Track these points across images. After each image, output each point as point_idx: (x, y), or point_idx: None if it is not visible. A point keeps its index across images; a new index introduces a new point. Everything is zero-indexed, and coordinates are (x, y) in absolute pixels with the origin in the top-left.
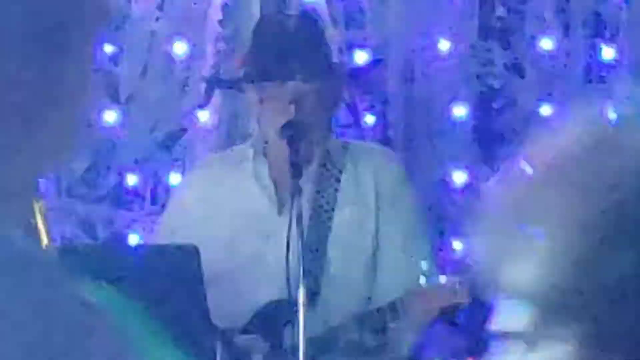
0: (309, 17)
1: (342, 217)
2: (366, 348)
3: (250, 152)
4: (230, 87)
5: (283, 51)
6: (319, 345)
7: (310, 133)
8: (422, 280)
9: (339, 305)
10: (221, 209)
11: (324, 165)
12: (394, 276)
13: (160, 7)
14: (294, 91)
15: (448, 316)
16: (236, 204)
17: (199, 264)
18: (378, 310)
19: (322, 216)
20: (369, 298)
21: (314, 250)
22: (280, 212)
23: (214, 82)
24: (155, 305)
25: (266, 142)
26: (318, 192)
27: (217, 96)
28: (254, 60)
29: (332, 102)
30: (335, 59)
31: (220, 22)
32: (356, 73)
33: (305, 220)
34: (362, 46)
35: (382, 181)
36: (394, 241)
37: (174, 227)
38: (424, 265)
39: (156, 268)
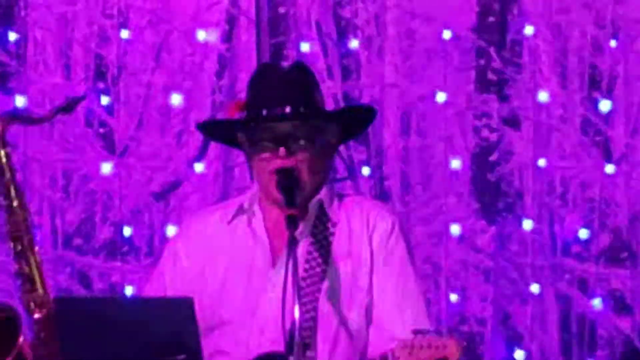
0: (303, 66)
1: (336, 272)
2: None
3: (246, 203)
4: (223, 138)
5: (276, 96)
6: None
7: (304, 183)
8: (414, 334)
9: (330, 359)
10: (215, 260)
11: (319, 217)
12: (387, 330)
13: (156, 59)
14: (285, 134)
15: None
16: (230, 256)
17: (194, 317)
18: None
19: (315, 269)
20: (363, 352)
21: (307, 303)
22: (274, 264)
23: (208, 127)
24: (149, 358)
25: (257, 195)
26: (312, 244)
27: (213, 149)
28: (248, 106)
29: (326, 153)
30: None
31: (216, 73)
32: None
33: (300, 273)
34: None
35: (377, 236)
36: (388, 297)
37: (167, 279)
38: (417, 319)
39: (151, 321)
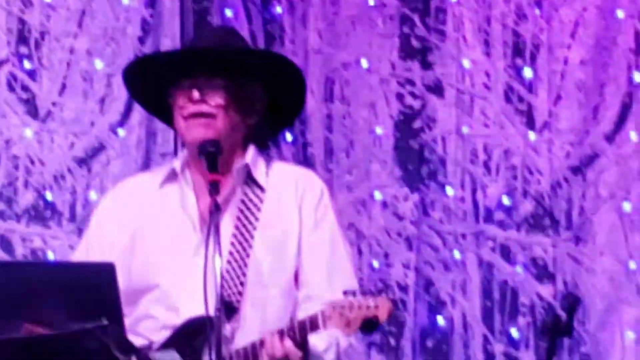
0: (231, 29)
1: (265, 237)
2: (286, 356)
3: (177, 167)
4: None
5: (204, 48)
6: None
7: (218, 132)
8: (343, 296)
9: (260, 322)
10: (145, 225)
11: (247, 183)
12: (317, 293)
13: (79, 24)
14: (200, 83)
15: (366, 329)
16: (160, 221)
17: (115, 281)
18: (299, 323)
19: (245, 235)
20: (293, 314)
21: (237, 268)
22: (202, 231)
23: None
24: (70, 322)
25: (187, 160)
26: (241, 210)
27: (136, 114)
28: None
29: (247, 113)
30: None
31: (139, 38)
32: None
33: (227, 239)
34: None
35: (305, 202)
36: (318, 261)
37: (95, 244)
38: (346, 282)
39: (73, 285)
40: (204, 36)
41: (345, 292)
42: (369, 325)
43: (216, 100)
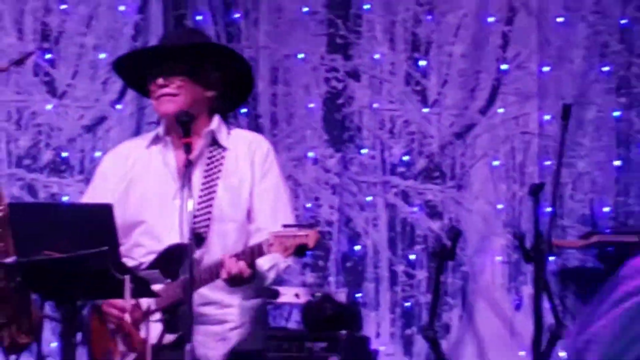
0: (194, 29)
1: (226, 184)
2: (241, 277)
3: (160, 133)
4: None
5: (164, 46)
6: (205, 277)
7: (197, 121)
8: (282, 228)
9: (221, 250)
10: (136, 176)
11: (212, 144)
12: (264, 226)
13: (87, 25)
14: (166, 69)
15: (299, 253)
16: (148, 173)
17: (112, 220)
18: (249, 249)
19: (210, 183)
20: (245, 243)
21: (205, 208)
22: (179, 181)
23: (116, 67)
24: (79, 249)
25: (167, 127)
26: (208, 165)
27: (130, 94)
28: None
29: (207, 88)
30: None
31: (133, 37)
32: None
33: (198, 187)
34: None
35: (256, 158)
36: (265, 201)
37: (98, 191)
38: (286, 218)
39: (80, 222)
40: (171, 35)
41: (284, 225)
42: (301, 250)
43: (177, 82)
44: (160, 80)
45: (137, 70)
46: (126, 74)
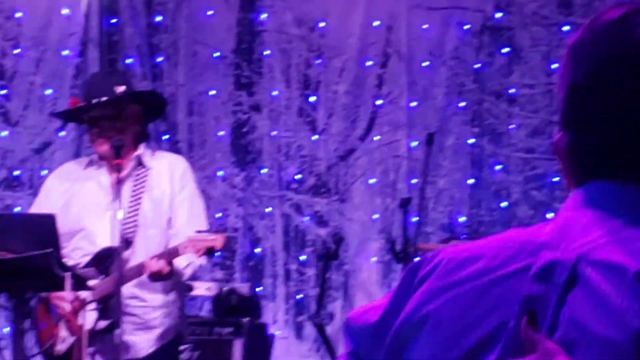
0: (110, 70)
1: (150, 197)
2: (161, 274)
3: (95, 158)
4: (61, 117)
5: (89, 91)
6: (132, 274)
7: (126, 147)
8: (196, 233)
9: (146, 252)
10: (76, 192)
11: (138, 165)
12: (181, 231)
13: (37, 67)
14: (95, 116)
15: (209, 254)
16: (86, 189)
17: (54, 227)
18: (167, 251)
19: (137, 197)
20: (166, 246)
21: (132, 217)
22: (111, 195)
23: (56, 115)
24: (26, 250)
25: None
26: (135, 182)
27: (72, 124)
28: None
29: (131, 122)
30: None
31: (74, 76)
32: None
33: (127, 199)
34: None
35: (175, 174)
36: (182, 210)
37: (43, 204)
38: (200, 225)
39: (29, 229)
40: (97, 81)
41: (197, 231)
42: (210, 252)
43: (106, 126)
44: (94, 130)
45: (74, 115)
46: (65, 117)
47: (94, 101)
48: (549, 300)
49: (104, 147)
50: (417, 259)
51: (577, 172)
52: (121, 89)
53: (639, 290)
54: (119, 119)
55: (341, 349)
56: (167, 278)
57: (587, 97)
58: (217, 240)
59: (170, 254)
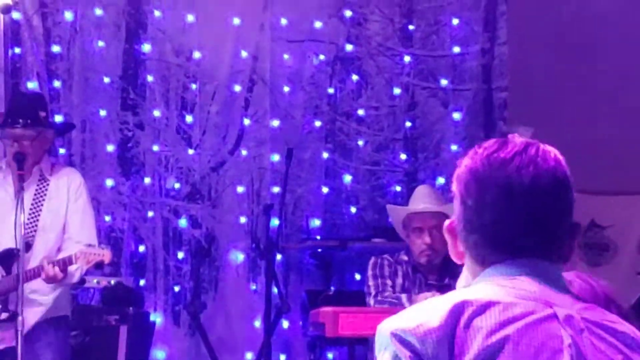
0: (36, 95)
1: (49, 205)
2: (55, 278)
3: (3, 166)
4: None
5: (16, 110)
6: (31, 274)
7: (30, 158)
8: (86, 247)
9: (43, 253)
10: None
11: (40, 177)
12: (74, 236)
13: None
14: (18, 134)
15: (99, 266)
16: None
17: None
18: (63, 259)
19: (38, 204)
20: (60, 251)
21: (33, 222)
22: (14, 201)
23: None
24: None
25: (8, 163)
26: (36, 191)
27: None
28: (4, 116)
29: (44, 142)
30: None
31: None
32: (58, 127)
33: (28, 206)
34: (59, 113)
35: (71, 187)
36: (75, 218)
37: None
38: (90, 238)
39: None
40: (19, 103)
41: (88, 245)
42: (100, 265)
43: (25, 144)
44: (15, 145)
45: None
46: None
47: (21, 121)
48: (583, 339)
49: (16, 164)
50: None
51: (491, 256)
52: (43, 114)
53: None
54: (36, 139)
55: (210, 334)
56: (60, 281)
57: (499, 208)
58: (105, 256)
59: (64, 262)
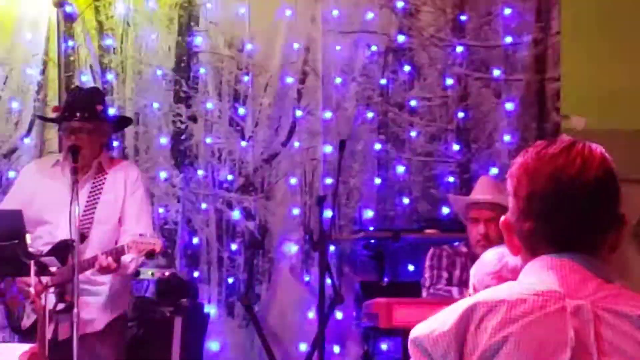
0: (96, 89)
1: (105, 198)
2: (109, 269)
3: (58, 159)
4: (49, 121)
5: (74, 103)
6: (86, 265)
7: (85, 152)
8: (139, 236)
9: (99, 245)
10: (41, 188)
11: (98, 170)
12: (130, 228)
13: (4, 83)
14: (75, 127)
15: (151, 256)
16: (50, 186)
17: (22, 221)
18: (115, 249)
19: (95, 197)
20: (116, 242)
21: (89, 214)
22: (71, 193)
23: (39, 118)
24: None
25: (65, 156)
26: (93, 184)
27: (35, 131)
28: (62, 110)
29: (101, 136)
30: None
31: (36, 91)
32: (114, 121)
33: (85, 198)
34: (112, 106)
35: (128, 180)
36: (132, 211)
37: (12, 201)
38: (146, 228)
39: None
40: (77, 97)
41: (140, 234)
42: (150, 254)
43: (82, 137)
44: (72, 138)
45: (56, 121)
46: (48, 120)
47: (78, 114)
48: (588, 330)
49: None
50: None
51: (540, 246)
52: (100, 107)
53: None
54: (93, 133)
55: (264, 325)
56: (115, 271)
57: (548, 198)
58: (157, 245)
59: (117, 252)
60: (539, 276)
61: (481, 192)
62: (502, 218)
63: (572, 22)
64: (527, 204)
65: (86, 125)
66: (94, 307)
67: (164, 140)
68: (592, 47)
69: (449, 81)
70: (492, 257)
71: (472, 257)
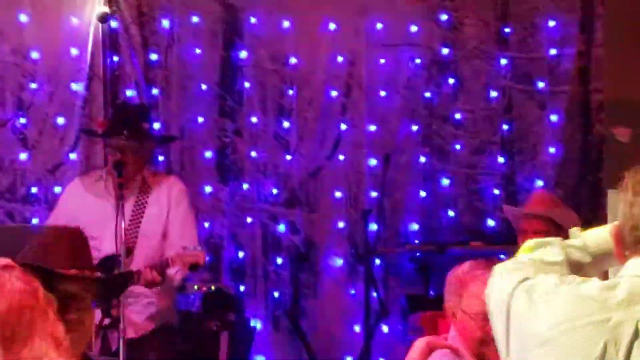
0: (139, 105)
1: (150, 212)
2: (154, 282)
3: (103, 174)
4: (95, 135)
5: (120, 120)
6: (128, 278)
7: (129, 168)
8: (182, 249)
9: (144, 259)
10: (86, 203)
11: (142, 184)
12: (175, 242)
13: (50, 99)
14: (122, 145)
15: (194, 268)
16: (94, 201)
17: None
18: (159, 262)
19: (139, 211)
20: (161, 256)
21: (133, 228)
22: (115, 208)
23: (85, 132)
24: None
25: (109, 171)
26: (137, 198)
27: (80, 146)
28: (107, 125)
29: (145, 153)
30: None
31: (82, 107)
32: (159, 139)
33: (129, 213)
34: (157, 121)
35: (172, 194)
36: (176, 225)
37: (58, 219)
38: (191, 241)
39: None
40: (123, 113)
41: (183, 247)
42: (194, 267)
43: (128, 154)
44: (117, 155)
45: (102, 136)
46: (93, 135)
47: (125, 132)
48: (622, 345)
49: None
50: None
51: (628, 247)
52: (146, 125)
53: None
54: (139, 150)
55: (310, 339)
56: (160, 285)
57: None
58: (200, 257)
59: (161, 266)
60: (606, 283)
61: (530, 205)
62: (611, 228)
63: (615, 34)
64: (627, 210)
65: (132, 143)
66: (140, 319)
67: (209, 155)
68: (637, 58)
69: (493, 93)
70: None
71: None
